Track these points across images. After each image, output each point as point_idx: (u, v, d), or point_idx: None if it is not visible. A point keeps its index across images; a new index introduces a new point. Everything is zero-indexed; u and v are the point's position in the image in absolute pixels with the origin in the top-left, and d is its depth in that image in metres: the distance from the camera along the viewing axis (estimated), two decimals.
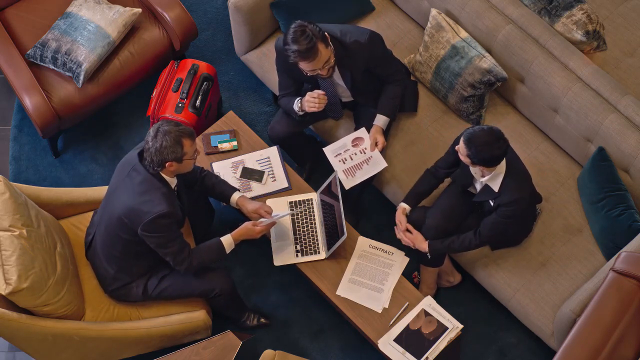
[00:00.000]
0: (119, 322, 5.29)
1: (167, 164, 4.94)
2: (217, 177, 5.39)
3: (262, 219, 5.29)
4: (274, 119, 5.69)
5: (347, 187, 5.53)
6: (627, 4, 6.01)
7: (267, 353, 5.11)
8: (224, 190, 5.37)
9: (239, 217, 5.81)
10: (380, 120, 5.57)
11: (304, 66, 5.27)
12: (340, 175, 5.53)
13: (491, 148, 4.92)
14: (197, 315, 5.33)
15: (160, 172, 4.99)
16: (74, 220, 5.56)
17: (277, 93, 6.04)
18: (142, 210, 4.95)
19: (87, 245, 5.33)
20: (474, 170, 5.19)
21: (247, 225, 5.25)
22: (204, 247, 5.20)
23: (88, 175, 6.21)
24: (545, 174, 5.63)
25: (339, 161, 5.57)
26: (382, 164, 5.53)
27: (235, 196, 5.37)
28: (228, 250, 5.23)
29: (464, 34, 5.64)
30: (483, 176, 5.15)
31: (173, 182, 5.06)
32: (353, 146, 5.59)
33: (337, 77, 5.51)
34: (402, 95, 5.66)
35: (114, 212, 5.05)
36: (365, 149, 5.57)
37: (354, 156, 5.58)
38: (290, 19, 5.92)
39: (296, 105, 5.52)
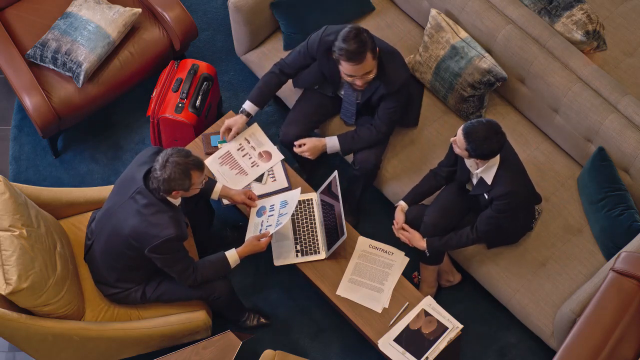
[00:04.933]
0: (119, 322, 5.29)
1: (173, 192, 4.95)
2: None
3: (264, 231, 5.31)
4: (285, 124, 5.66)
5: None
6: (627, 4, 6.01)
7: (267, 353, 5.11)
8: (205, 184, 5.36)
9: (239, 217, 5.81)
10: (332, 142, 5.54)
11: (345, 67, 5.21)
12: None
13: (490, 143, 4.93)
14: (197, 316, 5.33)
15: (167, 197, 5.00)
16: (74, 220, 5.56)
17: (276, 93, 6.05)
18: (150, 233, 4.95)
19: (86, 250, 5.32)
20: (469, 163, 5.19)
21: (251, 241, 5.25)
22: (209, 263, 5.19)
23: (88, 175, 6.21)
24: (545, 174, 5.63)
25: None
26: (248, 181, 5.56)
27: (218, 188, 5.37)
28: (233, 266, 5.23)
29: (463, 34, 5.64)
30: (477, 168, 5.16)
31: (178, 201, 5.07)
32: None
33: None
34: (403, 111, 5.61)
35: (119, 231, 5.04)
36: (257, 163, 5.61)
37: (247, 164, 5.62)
38: (290, 19, 5.92)
39: (241, 110, 5.58)
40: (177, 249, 5.04)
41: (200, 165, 4.94)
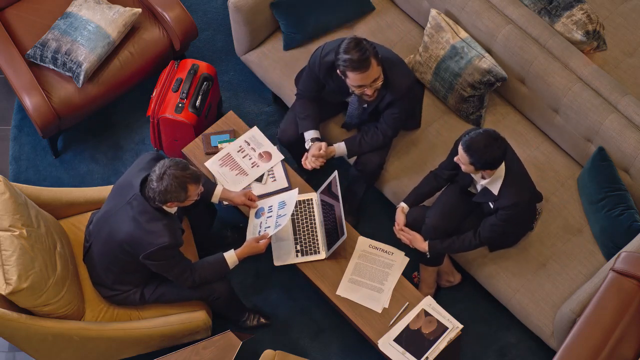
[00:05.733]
0: (119, 322, 5.29)
1: (169, 204, 4.96)
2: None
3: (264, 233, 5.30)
4: (284, 123, 5.66)
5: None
6: (627, 4, 6.01)
7: (267, 353, 5.11)
8: (205, 187, 5.34)
9: (239, 218, 5.81)
10: (341, 148, 5.53)
11: (353, 78, 5.19)
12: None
13: (492, 149, 4.92)
14: (197, 316, 5.33)
15: (162, 206, 5.00)
16: (74, 220, 5.56)
17: (276, 93, 6.06)
18: (145, 241, 4.96)
19: (85, 252, 5.32)
20: (475, 175, 5.18)
21: (250, 243, 5.25)
22: (207, 264, 5.19)
23: (88, 175, 6.21)
24: (545, 174, 5.63)
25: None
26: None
27: (218, 191, 5.36)
28: (231, 267, 5.23)
29: (463, 34, 5.63)
30: (483, 178, 5.15)
31: (174, 210, 5.06)
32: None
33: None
34: (408, 115, 5.61)
35: (114, 236, 5.04)
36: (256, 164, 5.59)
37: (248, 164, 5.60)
38: (290, 19, 5.92)
39: (307, 143, 5.52)
40: (171, 256, 5.03)
41: (197, 179, 4.94)
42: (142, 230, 4.95)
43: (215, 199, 5.39)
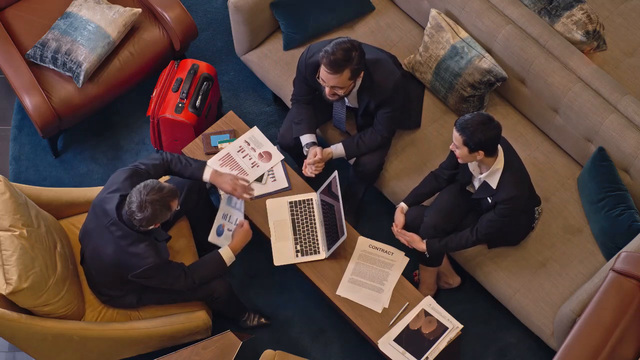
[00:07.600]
0: (119, 322, 5.29)
1: (155, 225, 4.96)
2: (182, 157, 5.27)
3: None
4: (283, 127, 5.66)
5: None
6: (627, 4, 6.01)
7: (267, 353, 5.11)
8: (194, 172, 5.27)
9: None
10: (338, 150, 5.53)
11: (321, 71, 5.20)
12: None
13: (485, 128, 4.89)
14: (197, 316, 5.33)
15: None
16: (74, 220, 5.56)
17: (276, 93, 6.06)
18: (131, 263, 4.97)
19: (81, 256, 5.32)
20: (472, 167, 5.18)
21: (238, 231, 5.25)
22: (204, 263, 5.19)
23: (88, 175, 6.21)
24: (545, 174, 5.64)
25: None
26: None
27: (207, 176, 5.28)
28: (229, 263, 5.23)
29: (463, 34, 5.64)
30: (481, 173, 5.15)
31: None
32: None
33: (354, 99, 5.48)
34: (403, 113, 5.61)
35: (100, 255, 5.05)
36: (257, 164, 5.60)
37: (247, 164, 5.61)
38: (290, 19, 5.92)
39: (304, 149, 5.51)
40: (159, 272, 5.03)
41: (175, 193, 4.93)
42: (126, 253, 4.96)
43: (207, 176, 5.29)
